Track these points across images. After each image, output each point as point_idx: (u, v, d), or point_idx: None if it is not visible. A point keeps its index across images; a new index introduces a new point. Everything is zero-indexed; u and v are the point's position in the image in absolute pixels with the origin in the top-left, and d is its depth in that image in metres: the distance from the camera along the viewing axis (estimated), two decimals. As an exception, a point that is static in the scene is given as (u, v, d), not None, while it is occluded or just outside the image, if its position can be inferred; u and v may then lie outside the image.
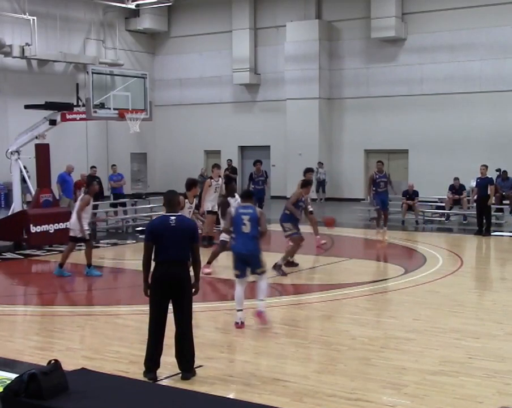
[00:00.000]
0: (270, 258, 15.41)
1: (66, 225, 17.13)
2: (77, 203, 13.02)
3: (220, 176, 16.69)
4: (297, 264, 13.58)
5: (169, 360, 7.27)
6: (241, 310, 9.24)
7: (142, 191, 30.14)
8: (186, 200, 11.90)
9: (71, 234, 13.01)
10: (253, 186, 19.77)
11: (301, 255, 16.09)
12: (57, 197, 18.54)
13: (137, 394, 6.23)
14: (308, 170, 15.74)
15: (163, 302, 7.09)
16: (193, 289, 7.26)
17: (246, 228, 9.25)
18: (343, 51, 29.11)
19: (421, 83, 27.31)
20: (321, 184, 28.39)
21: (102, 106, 17.10)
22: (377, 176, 17.78)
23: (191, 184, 12.35)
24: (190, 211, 12.10)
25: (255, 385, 6.98)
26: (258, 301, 9.35)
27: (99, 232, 20.26)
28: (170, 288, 7.03)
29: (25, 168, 17.73)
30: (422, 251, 15.81)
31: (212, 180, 16.24)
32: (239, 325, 9.17)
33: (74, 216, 12.91)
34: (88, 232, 13.13)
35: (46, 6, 28.81)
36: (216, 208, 16.58)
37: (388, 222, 22.04)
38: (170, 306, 7.16)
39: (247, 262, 9.29)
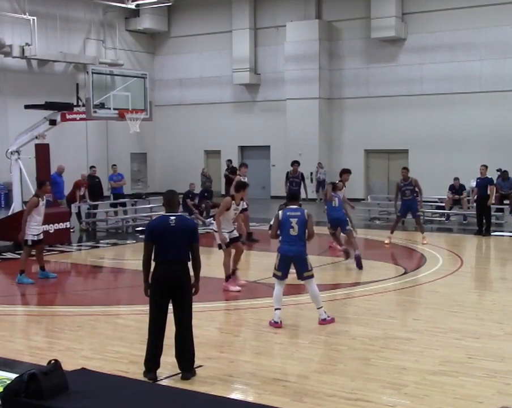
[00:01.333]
0: (271, 258, 15.46)
1: (66, 225, 17.23)
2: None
3: (245, 175, 16.57)
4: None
5: (169, 360, 7.27)
6: (279, 309, 9.29)
7: (142, 191, 30.16)
8: (233, 202, 11.69)
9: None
10: (288, 186, 19.58)
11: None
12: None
13: (137, 394, 6.23)
14: (345, 171, 15.87)
15: (163, 302, 7.08)
16: (193, 290, 7.26)
17: (294, 231, 9.23)
18: (343, 51, 29.10)
19: (421, 83, 27.30)
20: (321, 184, 28.36)
21: (102, 106, 17.10)
22: (402, 184, 16.81)
23: (240, 186, 12.07)
24: (235, 213, 11.92)
25: (255, 385, 6.98)
26: (317, 310, 9.37)
27: (99, 232, 20.28)
28: (170, 288, 7.03)
29: None
30: (422, 251, 15.80)
31: (240, 178, 16.18)
32: (276, 324, 9.18)
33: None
34: (41, 237, 12.94)
35: (46, 6, 28.81)
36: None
37: (388, 222, 22.06)
38: (170, 306, 7.16)
39: (294, 264, 9.31)
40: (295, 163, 19.90)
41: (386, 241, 16.90)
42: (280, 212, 9.57)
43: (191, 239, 7.16)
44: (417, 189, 16.89)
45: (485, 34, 25.76)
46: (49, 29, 28.99)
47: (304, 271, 9.30)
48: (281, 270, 9.33)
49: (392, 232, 16.94)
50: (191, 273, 7.23)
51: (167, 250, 7.04)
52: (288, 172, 19.80)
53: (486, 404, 6.40)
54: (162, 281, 7.04)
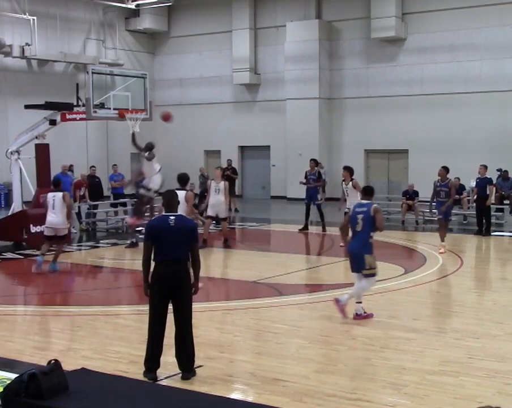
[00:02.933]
0: (271, 258, 15.47)
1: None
2: (63, 202, 13.31)
3: (222, 178, 16.73)
4: None
5: (169, 360, 7.27)
6: (360, 302, 9.48)
7: (142, 191, 30.07)
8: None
9: (61, 233, 13.56)
10: (306, 185, 19.78)
11: (301, 255, 16.12)
12: None
13: (137, 394, 6.23)
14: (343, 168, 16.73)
15: (163, 302, 7.09)
16: (193, 289, 7.27)
17: (359, 227, 9.34)
18: (343, 51, 29.10)
19: (421, 83, 27.30)
20: (321, 184, 28.40)
21: (102, 106, 17.11)
22: (438, 184, 15.81)
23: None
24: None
25: (255, 385, 6.98)
26: (355, 304, 9.45)
27: (99, 232, 20.28)
28: (170, 288, 7.04)
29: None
30: (422, 251, 15.80)
31: (213, 181, 16.42)
32: (357, 316, 9.41)
33: (63, 214, 13.28)
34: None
35: (46, 6, 28.81)
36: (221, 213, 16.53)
37: (389, 223, 22.08)
38: (170, 306, 7.16)
39: (353, 260, 9.48)
40: (312, 161, 20.01)
41: (441, 250, 15.52)
42: (352, 206, 9.78)
43: (190, 239, 7.15)
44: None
45: (485, 34, 25.76)
46: (49, 29, 28.99)
47: (361, 269, 9.40)
48: (350, 265, 9.60)
49: (442, 240, 15.70)
50: (191, 273, 7.23)
51: (166, 250, 7.05)
52: (306, 171, 19.87)
53: (486, 404, 6.39)
54: (161, 281, 7.05)
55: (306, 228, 19.29)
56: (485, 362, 7.62)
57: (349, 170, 16.27)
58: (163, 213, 7.37)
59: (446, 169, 16.07)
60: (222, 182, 16.37)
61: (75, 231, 19.13)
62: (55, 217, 13.33)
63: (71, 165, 24.31)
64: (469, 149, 25.80)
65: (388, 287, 12.04)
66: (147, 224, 7.63)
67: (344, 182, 16.21)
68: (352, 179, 16.09)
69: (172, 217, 7.17)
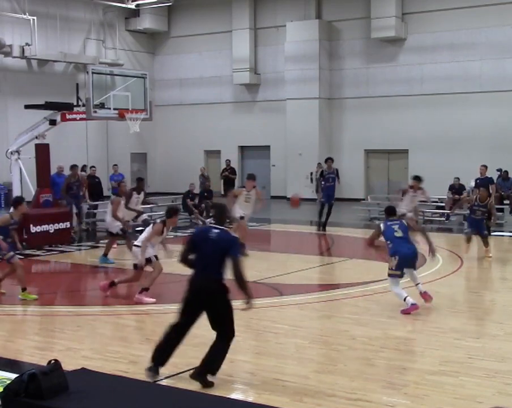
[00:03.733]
0: (272, 258, 15.47)
1: (66, 225, 17.26)
2: (110, 205, 14.70)
3: (254, 187, 15.67)
4: None
5: (169, 360, 7.25)
6: (407, 296, 9.97)
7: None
8: (164, 228, 10.96)
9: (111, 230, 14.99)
10: (323, 183, 19.80)
11: (301, 255, 16.11)
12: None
13: (137, 394, 6.22)
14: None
15: (188, 314, 6.95)
16: (247, 305, 6.98)
17: (398, 233, 10.06)
18: (343, 51, 29.10)
19: (421, 83, 27.31)
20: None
21: (102, 106, 17.11)
22: (475, 203, 15.71)
23: (173, 212, 11.12)
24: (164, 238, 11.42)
25: (255, 385, 6.98)
26: (417, 286, 10.30)
27: (99, 232, 20.25)
28: (200, 303, 6.90)
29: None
30: (422, 251, 15.73)
31: (244, 190, 15.75)
32: (414, 306, 9.84)
33: (110, 215, 14.72)
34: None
35: (46, 6, 28.80)
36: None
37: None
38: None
39: (412, 262, 10.11)
40: (329, 159, 20.08)
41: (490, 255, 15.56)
42: (382, 223, 10.41)
43: (229, 254, 6.84)
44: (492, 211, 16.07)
45: (485, 34, 25.77)
46: (49, 29, 28.98)
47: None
48: (401, 270, 10.05)
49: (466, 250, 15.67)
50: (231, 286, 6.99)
51: (203, 263, 6.89)
52: (322, 170, 19.89)
53: (486, 404, 6.40)
54: (192, 293, 6.92)
55: (323, 227, 19.22)
56: (485, 362, 7.62)
57: (419, 181, 16.34)
58: (209, 224, 7.29)
59: (486, 190, 16.38)
60: (253, 191, 15.48)
61: (74, 232, 18.84)
62: (106, 216, 15.06)
63: (84, 165, 24.25)
64: (469, 149, 25.82)
65: (388, 286, 12.03)
66: (193, 231, 7.35)
67: (411, 190, 16.24)
68: (419, 188, 16.22)
69: (216, 230, 7.00)
